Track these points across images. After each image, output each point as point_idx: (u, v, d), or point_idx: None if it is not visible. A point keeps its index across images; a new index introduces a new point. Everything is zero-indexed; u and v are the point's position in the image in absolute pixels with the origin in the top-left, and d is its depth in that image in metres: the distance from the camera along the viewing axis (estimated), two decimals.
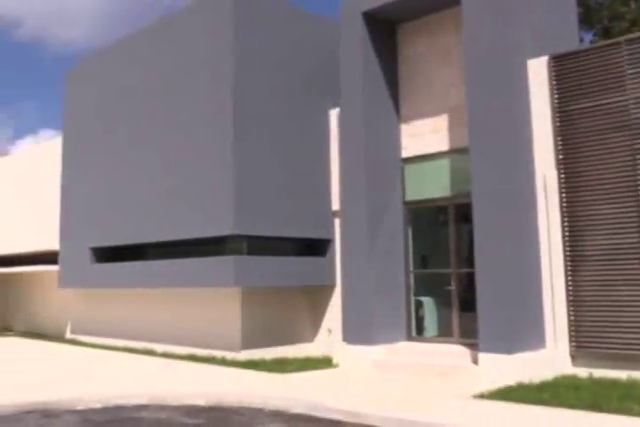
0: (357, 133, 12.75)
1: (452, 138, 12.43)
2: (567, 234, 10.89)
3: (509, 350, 10.13)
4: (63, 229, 18.47)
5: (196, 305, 14.84)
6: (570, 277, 10.79)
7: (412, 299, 12.99)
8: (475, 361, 10.70)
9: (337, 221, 14.45)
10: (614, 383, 9.62)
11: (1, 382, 11.16)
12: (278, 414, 8.72)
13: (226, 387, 10.27)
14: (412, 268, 13.08)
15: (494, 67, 10.90)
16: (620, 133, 10.48)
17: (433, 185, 12.79)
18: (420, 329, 12.87)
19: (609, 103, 10.62)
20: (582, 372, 10.41)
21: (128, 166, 16.06)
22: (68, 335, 19.37)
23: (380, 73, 13.10)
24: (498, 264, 10.48)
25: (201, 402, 9.52)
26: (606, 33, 23.56)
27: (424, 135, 12.87)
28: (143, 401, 9.60)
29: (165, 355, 14.52)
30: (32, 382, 11.22)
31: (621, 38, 10.80)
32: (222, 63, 13.56)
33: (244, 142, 13.28)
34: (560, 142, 11.07)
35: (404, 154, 13.18)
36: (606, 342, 10.32)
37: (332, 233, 14.63)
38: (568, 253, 10.85)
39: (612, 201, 10.48)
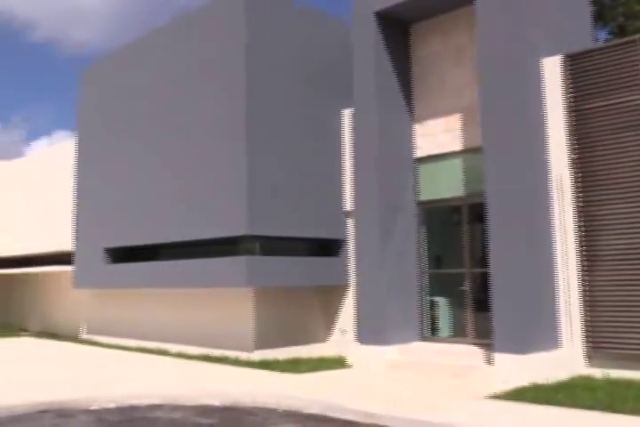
0: (370, 133, 12.73)
1: (465, 137, 12.38)
2: (582, 233, 10.82)
3: (524, 351, 10.08)
4: (77, 230, 18.57)
5: (209, 305, 14.87)
6: (585, 277, 10.72)
7: (426, 299, 12.96)
8: (489, 361, 10.65)
9: (350, 222, 14.43)
10: (630, 384, 9.54)
11: (16, 382, 11.24)
12: (292, 415, 8.72)
13: (239, 387, 10.27)
14: (425, 268, 13.04)
15: (508, 66, 10.84)
16: (635, 132, 10.39)
17: (446, 185, 12.74)
18: (434, 329, 12.83)
19: (624, 102, 10.54)
20: (597, 372, 10.34)
21: (141, 167, 16.12)
22: (83, 335, 19.47)
23: (393, 73, 13.08)
24: (512, 264, 10.42)
25: (215, 402, 9.53)
26: (621, 31, 23.36)
27: (437, 135, 12.83)
28: (157, 401, 9.63)
29: (179, 355, 14.56)
30: (47, 381, 11.29)
31: (636, 36, 10.70)
32: (234, 64, 13.58)
33: (256, 143, 13.30)
34: (575, 141, 11.00)
35: (418, 154, 13.15)
36: (622, 343, 10.23)
37: (346, 233, 14.62)
38: (583, 253, 10.77)
39: (628, 200, 10.39)
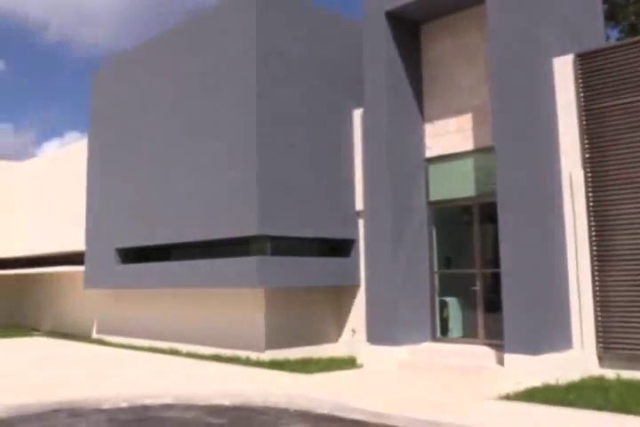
0: (381, 134, 12.72)
1: (476, 137, 12.36)
2: (594, 233, 10.76)
3: (535, 351, 10.05)
4: (89, 230, 18.66)
5: (220, 305, 14.91)
6: (597, 278, 10.67)
7: (437, 299, 12.94)
8: (500, 362, 10.62)
9: (361, 222, 14.43)
10: None
11: (29, 381, 11.31)
12: (303, 415, 8.73)
13: (250, 387, 10.30)
14: (436, 268, 13.02)
15: (519, 65, 10.81)
16: None
17: (457, 185, 12.72)
18: (445, 330, 12.81)
19: (636, 101, 10.47)
20: (609, 373, 10.29)
21: (153, 167, 16.18)
22: (94, 335, 19.57)
23: (404, 73, 13.07)
24: (523, 264, 10.39)
25: (226, 402, 9.55)
26: (633, 30, 23.24)
27: (448, 135, 12.81)
28: (169, 401, 9.67)
29: (190, 355, 14.60)
30: (59, 381, 11.36)
31: None
32: (246, 63, 13.61)
33: (267, 143, 13.32)
34: (586, 141, 10.95)
35: (428, 154, 13.14)
36: (634, 343, 10.17)
37: (356, 233, 14.62)
38: (595, 253, 10.72)
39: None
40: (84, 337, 19.70)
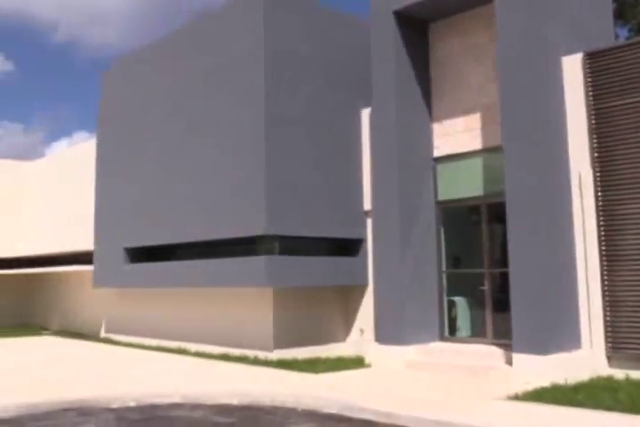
0: (389, 133, 12.71)
1: (484, 137, 12.33)
2: (603, 233, 10.72)
3: (544, 351, 10.02)
4: (97, 230, 18.71)
5: (228, 305, 14.94)
6: (606, 277, 10.63)
7: (445, 299, 12.92)
8: (508, 362, 10.60)
9: (369, 221, 14.42)
10: None
11: (39, 380, 11.36)
12: (311, 414, 8.73)
13: (258, 386, 10.31)
14: (444, 268, 13.00)
15: (527, 65, 10.78)
16: None
17: (465, 184, 12.69)
18: (453, 329, 12.79)
19: None
20: (619, 373, 10.25)
21: (160, 167, 16.22)
22: (103, 334, 19.63)
23: (412, 72, 13.05)
24: (532, 264, 10.37)
25: (234, 401, 9.56)
26: None
27: (456, 134, 12.79)
28: (177, 400, 9.69)
29: (198, 354, 14.63)
30: (68, 380, 11.41)
31: None
32: (254, 63, 13.62)
33: (275, 142, 13.33)
34: (595, 140, 10.90)
35: (437, 153, 13.11)
36: None
37: (365, 233, 14.61)
38: (604, 253, 10.68)
39: None
40: (92, 336, 19.76)
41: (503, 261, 11.49)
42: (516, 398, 8.91)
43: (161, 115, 16.48)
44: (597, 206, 10.82)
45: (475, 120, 12.53)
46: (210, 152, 14.60)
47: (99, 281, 18.50)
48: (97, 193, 18.90)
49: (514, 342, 10.39)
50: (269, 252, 13.17)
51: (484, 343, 11.97)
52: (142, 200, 16.78)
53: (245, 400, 9.55)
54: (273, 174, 13.20)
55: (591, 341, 10.68)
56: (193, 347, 15.39)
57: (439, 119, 13.15)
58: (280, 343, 13.62)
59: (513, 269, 10.57)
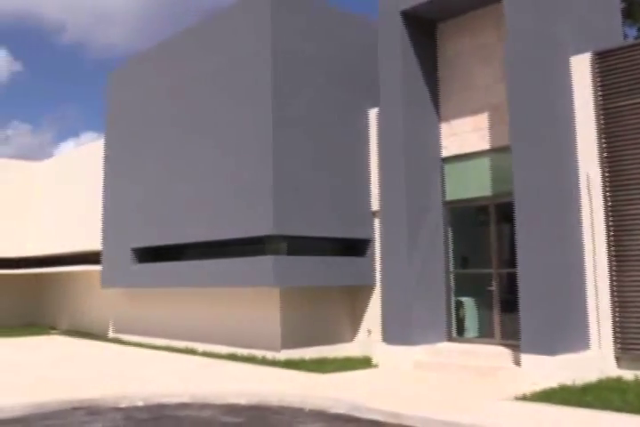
0: (397, 133, 12.70)
1: (492, 137, 12.31)
2: (612, 233, 10.68)
3: (552, 352, 9.99)
4: (106, 230, 18.77)
5: (236, 305, 14.95)
6: (615, 278, 10.59)
7: (453, 299, 12.90)
8: (516, 362, 10.57)
9: (377, 221, 14.41)
10: None
11: (48, 380, 11.41)
12: (319, 414, 8.74)
13: (266, 386, 10.32)
14: (452, 268, 12.98)
15: (536, 64, 10.75)
16: None
17: (473, 184, 12.67)
18: (461, 330, 12.77)
19: None
20: (627, 374, 10.21)
21: (167, 167, 16.25)
22: (111, 334, 19.68)
23: (420, 72, 13.03)
24: (540, 264, 10.33)
25: (242, 401, 9.58)
26: None
27: (464, 134, 12.77)
28: (185, 400, 9.71)
29: (206, 354, 14.66)
30: (77, 379, 11.44)
31: None
32: (261, 63, 13.63)
33: (283, 142, 13.34)
34: (604, 140, 10.86)
35: (444, 153, 13.10)
36: None
37: (372, 233, 14.60)
38: (613, 253, 10.64)
39: None
40: (100, 336, 19.82)
41: (511, 261, 11.46)
42: (524, 398, 8.90)
43: (167, 115, 16.51)
44: (606, 206, 10.78)
45: (483, 120, 12.51)
46: (217, 152, 14.62)
47: (107, 281, 18.56)
48: (105, 193, 18.96)
49: (522, 343, 10.36)
50: (277, 252, 13.18)
51: (492, 344, 11.94)
52: (149, 200, 16.82)
53: (253, 400, 9.56)
54: (280, 174, 13.20)
55: (600, 341, 10.63)
56: (201, 347, 15.42)
57: (447, 119, 13.13)
58: (287, 343, 13.63)
59: (521, 269, 10.54)
